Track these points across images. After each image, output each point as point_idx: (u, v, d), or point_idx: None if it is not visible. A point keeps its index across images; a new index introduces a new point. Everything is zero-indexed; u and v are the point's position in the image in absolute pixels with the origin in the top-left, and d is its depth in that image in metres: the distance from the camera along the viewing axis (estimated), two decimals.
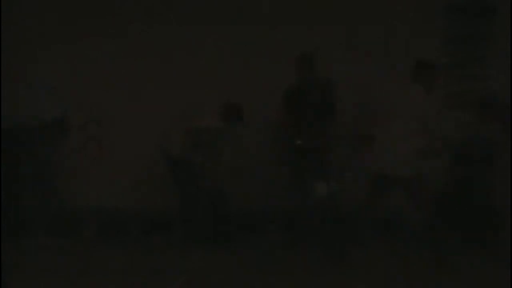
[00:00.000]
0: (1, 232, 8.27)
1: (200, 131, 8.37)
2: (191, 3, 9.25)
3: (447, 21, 9.19)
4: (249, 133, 9.01)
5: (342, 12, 9.14)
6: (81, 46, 9.18)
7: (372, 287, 6.55)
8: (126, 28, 9.17)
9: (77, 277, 6.74)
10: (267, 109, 8.80)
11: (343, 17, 9.12)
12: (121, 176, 9.08)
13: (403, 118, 7.52)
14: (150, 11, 9.23)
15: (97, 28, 9.19)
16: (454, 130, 9.10)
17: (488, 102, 8.75)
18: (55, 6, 9.21)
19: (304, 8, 9.19)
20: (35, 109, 8.89)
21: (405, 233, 8.84)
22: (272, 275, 6.91)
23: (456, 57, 9.25)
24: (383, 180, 7.54)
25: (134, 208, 9.02)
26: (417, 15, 9.12)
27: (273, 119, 8.76)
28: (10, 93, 8.96)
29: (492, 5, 9.13)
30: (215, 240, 8.26)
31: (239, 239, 8.46)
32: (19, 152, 8.67)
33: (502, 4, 9.07)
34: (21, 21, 9.16)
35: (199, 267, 7.23)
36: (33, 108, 8.90)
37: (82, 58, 9.17)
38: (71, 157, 9.04)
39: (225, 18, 9.20)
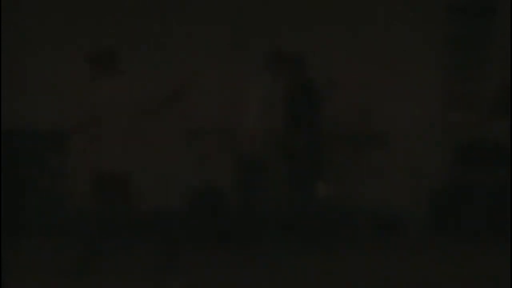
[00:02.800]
0: (1, 232, 8.27)
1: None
2: (191, 3, 9.26)
3: (447, 21, 9.19)
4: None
5: (343, 12, 9.14)
6: (81, 46, 9.18)
7: (372, 287, 6.55)
8: (127, 28, 9.19)
9: (77, 277, 6.74)
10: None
11: (343, 17, 9.13)
12: None
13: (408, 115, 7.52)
14: (150, 10, 9.24)
15: (97, 28, 9.20)
16: (455, 130, 9.11)
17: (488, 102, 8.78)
18: (55, 6, 9.22)
19: (304, 7, 9.20)
20: (35, 112, 8.91)
21: (405, 233, 8.85)
22: (271, 275, 6.92)
23: (456, 57, 9.25)
24: None
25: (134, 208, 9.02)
26: (417, 15, 9.12)
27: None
28: (10, 95, 8.98)
29: (492, 5, 9.13)
30: (216, 241, 8.28)
31: (239, 239, 8.46)
32: (19, 154, 8.69)
33: (502, 4, 9.07)
34: (21, 21, 9.17)
35: (199, 268, 7.24)
36: (32, 111, 8.92)
37: (81, 58, 9.17)
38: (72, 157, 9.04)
39: (224, 18, 9.21)
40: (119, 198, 7.09)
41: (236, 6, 9.19)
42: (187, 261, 7.49)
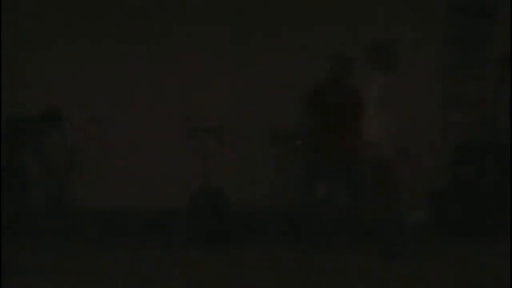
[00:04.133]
0: (1, 232, 8.27)
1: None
2: (192, 3, 9.26)
3: (447, 21, 9.19)
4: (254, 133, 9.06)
5: (342, 12, 9.14)
6: (81, 46, 9.19)
7: (372, 287, 6.55)
8: (126, 28, 9.19)
9: (77, 278, 6.75)
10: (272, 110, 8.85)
11: (343, 17, 9.13)
12: (122, 176, 9.08)
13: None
14: (149, 10, 9.24)
15: (97, 28, 9.21)
16: (455, 130, 9.12)
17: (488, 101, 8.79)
18: (55, 6, 9.22)
19: (304, 7, 9.20)
20: (34, 107, 8.92)
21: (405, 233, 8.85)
22: (271, 275, 6.92)
23: (456, 57, 9.25)
24: None
25: (134, 208, 9.02)
26: (417, 15, 9.12)
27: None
28: (9, 92, 8.99)
29: (492, 5, 9.14)
30: (215, 241, 8.28)
31: (239, 239, 8.47)
32: (16, 147, 8.68)
33: (502, 4, 9.07)
34: (21, 21, 9.17)
35: (199, 267, 7.24)
36: (32, 106, 8.92)
37: (82, 58, 9.18)
38: (72, 157, 9.04)
39: (233, 17, 9.22)
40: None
41: (236, 6, 9.21)
42: (187, 261, 7.49)
